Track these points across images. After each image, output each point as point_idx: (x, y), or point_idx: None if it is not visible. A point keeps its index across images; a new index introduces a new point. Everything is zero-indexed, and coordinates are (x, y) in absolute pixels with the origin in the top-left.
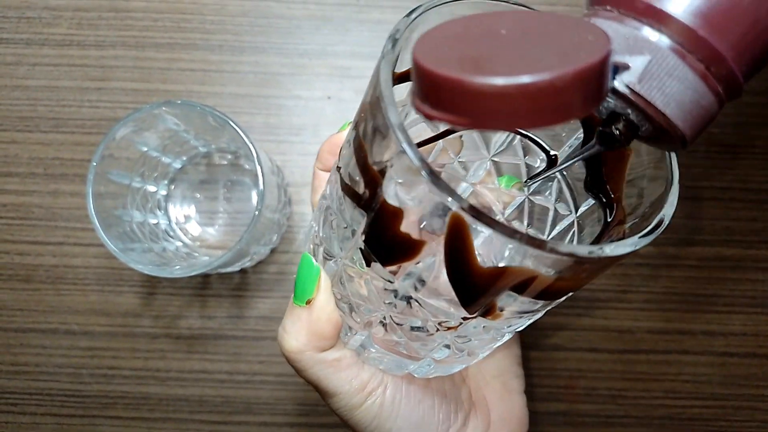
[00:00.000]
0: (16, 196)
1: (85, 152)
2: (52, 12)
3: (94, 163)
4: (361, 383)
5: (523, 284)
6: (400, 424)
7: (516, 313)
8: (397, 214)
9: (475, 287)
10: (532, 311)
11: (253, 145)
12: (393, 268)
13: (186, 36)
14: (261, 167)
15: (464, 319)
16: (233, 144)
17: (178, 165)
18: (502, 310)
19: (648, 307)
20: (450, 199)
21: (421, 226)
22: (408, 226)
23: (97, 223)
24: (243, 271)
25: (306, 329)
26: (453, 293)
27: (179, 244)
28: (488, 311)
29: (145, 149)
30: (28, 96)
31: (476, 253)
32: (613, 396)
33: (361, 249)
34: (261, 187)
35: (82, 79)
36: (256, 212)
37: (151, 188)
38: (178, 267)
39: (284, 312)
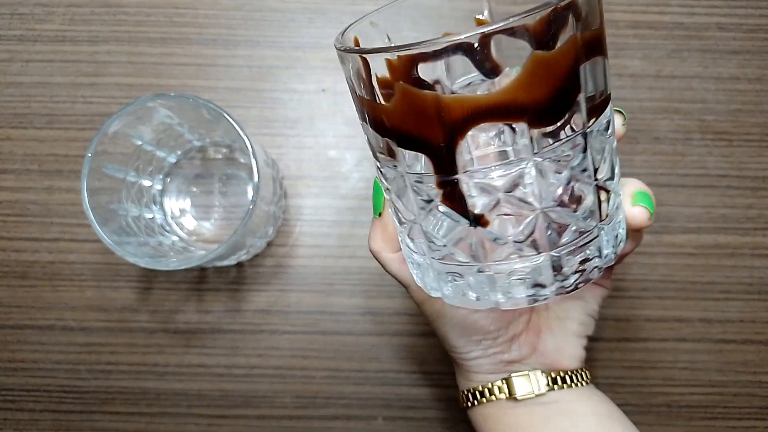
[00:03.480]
0: (11, 193)
1: (79, 148)
2: (45, 8)
3: (89, 154)
4: None
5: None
6: (454, 323)
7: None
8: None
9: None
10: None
11: (248, 138)
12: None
13: (179, 30)
14: (256, 159)
15: (545, 136)
16: (228, 137)
17: (172, 159)
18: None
19: (645, 296)
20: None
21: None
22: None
23: (93, 218)
24: (239, 264)
25: (381, 233)
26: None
27: (175, 238)
28: (566, 104)
29: (140, 143)
30: (22, 93)
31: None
32: (611, 384)
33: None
34: (256, 178)
35: (75, 74)
36: (251, 205)
37: (146, 182)
38: (174, 260)
39: (281, 305)
